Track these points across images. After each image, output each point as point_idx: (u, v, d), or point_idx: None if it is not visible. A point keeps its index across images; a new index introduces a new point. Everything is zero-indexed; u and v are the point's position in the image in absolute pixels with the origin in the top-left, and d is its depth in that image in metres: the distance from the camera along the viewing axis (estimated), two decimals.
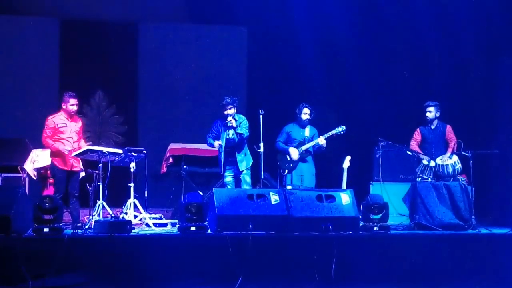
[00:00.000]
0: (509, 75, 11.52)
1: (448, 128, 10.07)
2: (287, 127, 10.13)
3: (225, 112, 9.47)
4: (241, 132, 9.43)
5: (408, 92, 12.02)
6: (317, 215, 8.32)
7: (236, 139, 9.46)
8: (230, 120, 9.38)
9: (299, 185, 9.81)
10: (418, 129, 10.16)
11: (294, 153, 9.93)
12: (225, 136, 9.48)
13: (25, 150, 10.46)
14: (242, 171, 9.50)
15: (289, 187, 9.66)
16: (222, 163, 9.51)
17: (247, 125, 9.56)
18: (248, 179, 9.53)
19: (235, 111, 9.52)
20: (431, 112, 10.00)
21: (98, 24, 12.29)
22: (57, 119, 9.26)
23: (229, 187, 9.51)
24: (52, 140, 9.19)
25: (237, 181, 9.52)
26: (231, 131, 9.45)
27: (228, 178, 9.58)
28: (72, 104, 9.31)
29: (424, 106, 10.06)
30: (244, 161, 9.51)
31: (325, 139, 9.83)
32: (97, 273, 7.57)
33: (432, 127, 10.08)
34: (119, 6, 12.34)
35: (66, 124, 9.27)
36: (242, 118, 9.58)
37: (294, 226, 8.23)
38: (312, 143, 9.94)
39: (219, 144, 9.47)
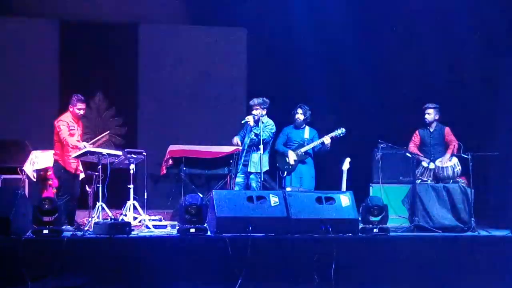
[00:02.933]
0: (509, 76, 11.52)
1: (447, 130, 10.06)
2: (286, 129, 10.15)
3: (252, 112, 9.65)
4: (258, 132, 9.45)
5: (408, 94, 12.02)
6: (317, 217, 8.30)
7: (256, 140, 9.51)
8: (247, 118, 9.52)
9: (299, 186, 9.81)
10: (417, 131, 10.16)
11: (291, 156, 9.93)
12: (250, 136, 9.61)
13: (24, 152, 10.44)
14: (251, 173, 9.51)
15: (288, 189, 9.66)
16: (241, 161, 9.62)
17: (271, 130, 9.62)
18: (254, 184, 9.49)
19: (263, 113, 9.61)
20: (430, 115, 10.01)
21: (98, 26, 12.27)
22: (68, 120, 9.23)
23: (237, 188, 9.52)
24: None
25: (246, 184, 9.55)
26: (254, 130, 9.53)
27: (239, 178, 9.63)
28: (79, 108, 9.29)
29: (423, 108, 10.08)
30: (256, 164, 9.45)
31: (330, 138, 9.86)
32: (96, 275, 7.54)
33: (431, 129, 10.07)
34: (119, 7, 12.31)
35: (74, 127, 9.26)
36: (269, 123, 9.65)
37: (293, 228, 8.21)
38: (312, 145, 9.94)
39: (237, 142, 9.74)
